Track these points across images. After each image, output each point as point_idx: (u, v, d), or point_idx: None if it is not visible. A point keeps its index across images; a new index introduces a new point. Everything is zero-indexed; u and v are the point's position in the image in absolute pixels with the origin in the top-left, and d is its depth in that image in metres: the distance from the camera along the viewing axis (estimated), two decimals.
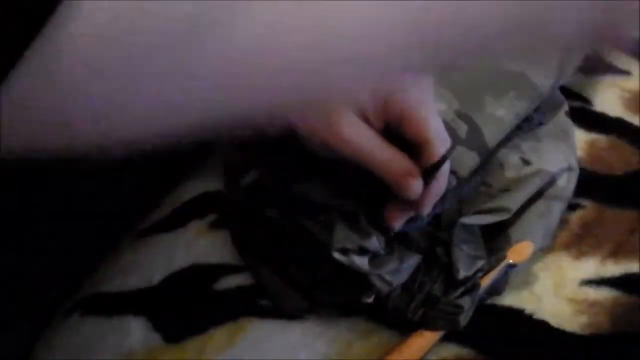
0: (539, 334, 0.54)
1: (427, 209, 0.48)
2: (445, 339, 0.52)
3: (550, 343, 0.53)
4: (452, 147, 0.47)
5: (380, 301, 0.50)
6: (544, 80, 0.59)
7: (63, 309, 0.60)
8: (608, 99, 0.68)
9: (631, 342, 0.53)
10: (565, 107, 0.64)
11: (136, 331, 0.54)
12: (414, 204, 0.48)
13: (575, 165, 0.59)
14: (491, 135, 0.57)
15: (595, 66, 0.69)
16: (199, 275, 0.57)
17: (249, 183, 0.57)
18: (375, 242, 0.48)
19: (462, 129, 0.57)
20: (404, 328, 0.52)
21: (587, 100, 0.69)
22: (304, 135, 0.48)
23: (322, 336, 0.53)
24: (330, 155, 0.48)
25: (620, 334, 0.53)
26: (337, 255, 0.48)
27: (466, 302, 0.50)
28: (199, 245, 0.59)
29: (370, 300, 0.49)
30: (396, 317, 0.51)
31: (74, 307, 0.59)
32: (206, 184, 0.64)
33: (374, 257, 0.49)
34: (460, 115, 0.57)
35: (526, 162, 0.57)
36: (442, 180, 0.48)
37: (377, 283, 0.48)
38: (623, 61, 0.72)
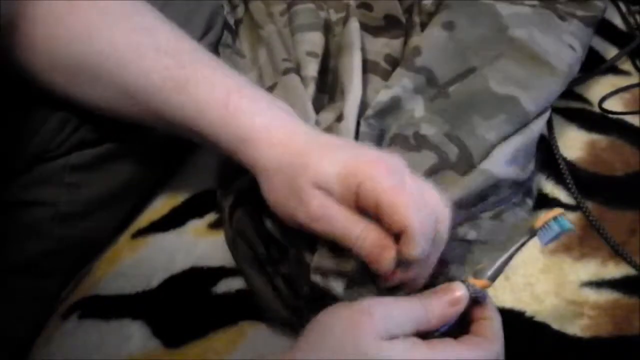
0: (539, 337, 0.53)
1: (390, 284, 0.45)
2: None
3: (551, 345, 0.53)
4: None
5: None
6: (533, 108, 0.58)
7: (61, 310, 0.59)
8: (608, 99, 0.68)
9: (632, 345, 0.53)
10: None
11: (135, 335, 0.54)
12: (382, 276, 0.45)
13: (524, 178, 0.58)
14: (479, 158, 0.56)
15: (596, 66, 0.69)
16: (198, 279, 0.57)
17: (241, 188, 0.56)
18: (353, 266, 0.46)
19: (453, 152, 0.56)
20: None
21: (587, 101, 0.68)
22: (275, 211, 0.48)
23: None
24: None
25: (622, 336, 0.53)
26: (314, 276, 0.47)
27: None
28: (198, 247, 0.59)
29: None
30: None
31: (72, 309, 0.59)
32: (206, 181, 0.63)
33: (350, 282, 0.47)
34: (450, 137, 0.56)
35: None
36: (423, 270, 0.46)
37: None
38: (623, 61, 0.72)
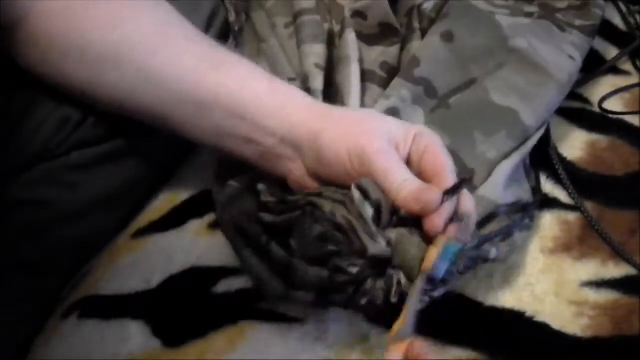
0: (539, 337, 0.53)
1: (439, 229, 0.45)
2: (446, 341, 0.52)
3: (551, 345, 0.53)
4: (471, 178, 0.47)
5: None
6: (533, 122, 0.59)
7: (60, 310, 0.59)
8: (608, 99, 0.68)
9: (632, 345, 0.53)
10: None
11: (135, 335, 0.54)
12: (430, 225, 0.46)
13: (526, 199, 0.58)
14: (480, 177, 0.56)
15: (596, 67, 0.69)
16: (198, 278, 0.57)
17: (238, 187, 0.55)
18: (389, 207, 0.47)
19: None
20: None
21: (587, 101, 0.68)
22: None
23: (321, 340, 0.52)
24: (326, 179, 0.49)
25: (621, 336, 0.53)
26: (355, 191, 0.46)
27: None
28: (198, 247, 0.59)
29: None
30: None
31: (71, 308, 0.59)
32: (206, 181, 0.63)
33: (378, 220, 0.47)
34: (451, 153, 0.56)
35: None
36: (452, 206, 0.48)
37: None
38: (623, 61, 0.72)
